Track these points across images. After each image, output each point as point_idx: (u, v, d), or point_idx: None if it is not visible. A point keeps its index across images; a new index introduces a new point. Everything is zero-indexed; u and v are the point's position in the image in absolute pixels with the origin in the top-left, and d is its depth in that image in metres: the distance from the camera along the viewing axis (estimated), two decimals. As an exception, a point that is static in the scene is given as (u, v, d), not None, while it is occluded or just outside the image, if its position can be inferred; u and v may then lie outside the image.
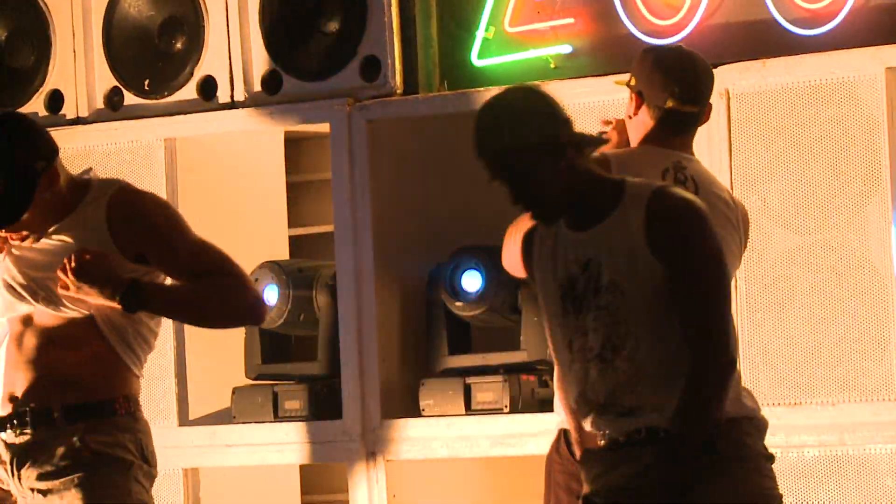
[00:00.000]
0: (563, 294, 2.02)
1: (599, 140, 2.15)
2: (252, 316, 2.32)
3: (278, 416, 2.97)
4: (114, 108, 3.18)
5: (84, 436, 2.27)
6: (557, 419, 2.43)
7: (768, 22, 2.88)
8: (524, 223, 2.23)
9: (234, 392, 3.01)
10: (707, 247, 1.97)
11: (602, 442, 2.02)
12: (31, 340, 2.33)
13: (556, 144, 1.92)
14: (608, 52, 2.95)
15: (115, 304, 2.22)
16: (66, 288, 2.21)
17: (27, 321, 2.30)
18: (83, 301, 2.25)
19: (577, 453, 2.16)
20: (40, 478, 2.27)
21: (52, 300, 2.25)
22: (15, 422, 2.30)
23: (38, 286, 2.25)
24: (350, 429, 2.98)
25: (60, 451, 2.26)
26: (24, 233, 2.27)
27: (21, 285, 2.26)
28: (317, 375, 2.96)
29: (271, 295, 2.93)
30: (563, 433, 2.42)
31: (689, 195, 2.05)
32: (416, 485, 3.07)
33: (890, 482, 2.69)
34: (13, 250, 2.33)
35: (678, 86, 2.30)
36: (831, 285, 2.71)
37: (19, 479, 2.33)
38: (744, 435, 2.01)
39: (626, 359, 1.97)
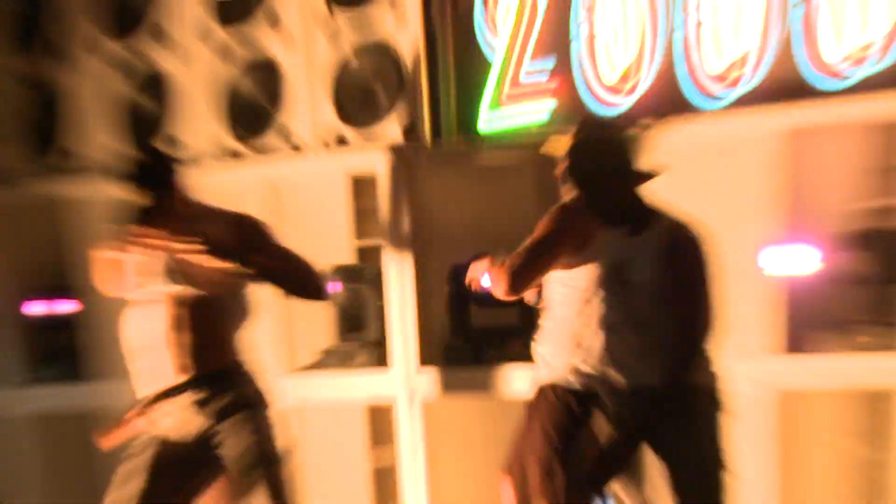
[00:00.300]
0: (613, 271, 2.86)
1: None
2: (318, 293, 3.05)
3: (350, 366, 4.08)
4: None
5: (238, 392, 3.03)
6: (544, 373, 3.05)
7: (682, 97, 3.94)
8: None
9: (324, 352, 4.16)
10: None
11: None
12: (176, 309, 2.98)
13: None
14: (576, 115, 3.84)
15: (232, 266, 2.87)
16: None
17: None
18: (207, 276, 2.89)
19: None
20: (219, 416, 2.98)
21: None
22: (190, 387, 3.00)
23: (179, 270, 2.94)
24: (396, 377, 4.01)
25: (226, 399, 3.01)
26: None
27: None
28: (376, 340, 4.05)
29: (338, 286, 4.09)
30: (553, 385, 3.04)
31: None
32: (445, 420, 4.06)
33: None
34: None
35: None
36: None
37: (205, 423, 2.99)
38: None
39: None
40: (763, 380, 3.67)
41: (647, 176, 2.95)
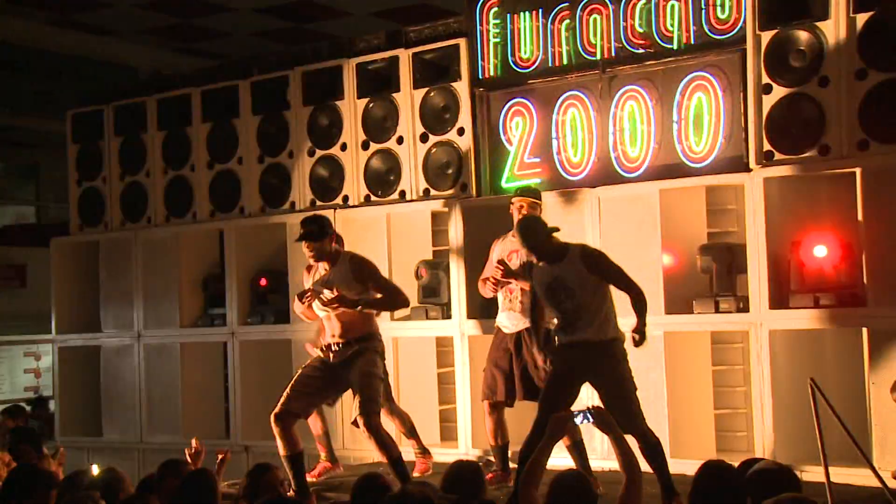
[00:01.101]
0: (548, 289, 5.34)
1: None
2: (405, 306, 6.03)
3: (428, 317, 7.43)
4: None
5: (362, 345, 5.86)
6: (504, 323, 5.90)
7: (610, 167, 7.01)
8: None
9: (411, 309, 7.47)
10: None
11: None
12: (338, 315, 5.78)
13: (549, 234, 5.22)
14: (552, 181, 7.03)
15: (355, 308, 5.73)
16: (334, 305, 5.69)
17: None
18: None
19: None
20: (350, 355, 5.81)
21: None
22: (340, 344, 5.81)
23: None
24: (453, 322, 7.12)
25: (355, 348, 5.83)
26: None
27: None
28: (445, 303, 7.27)
29: (423, 271, 7.36)
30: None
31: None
32: (483, 349, 7.15)
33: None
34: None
35: None
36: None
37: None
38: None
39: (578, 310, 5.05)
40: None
41: (553, 230, 5.43)
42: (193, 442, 5.46)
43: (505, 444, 6.21)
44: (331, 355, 5.89)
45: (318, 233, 5.85)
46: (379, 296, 5.90)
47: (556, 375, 5.34)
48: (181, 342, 8.61)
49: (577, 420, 4.18)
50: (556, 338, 5.36)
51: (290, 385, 5.94)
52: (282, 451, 5.85)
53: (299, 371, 6.07)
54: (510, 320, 6.05)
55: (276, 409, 5.87)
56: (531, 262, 5.39)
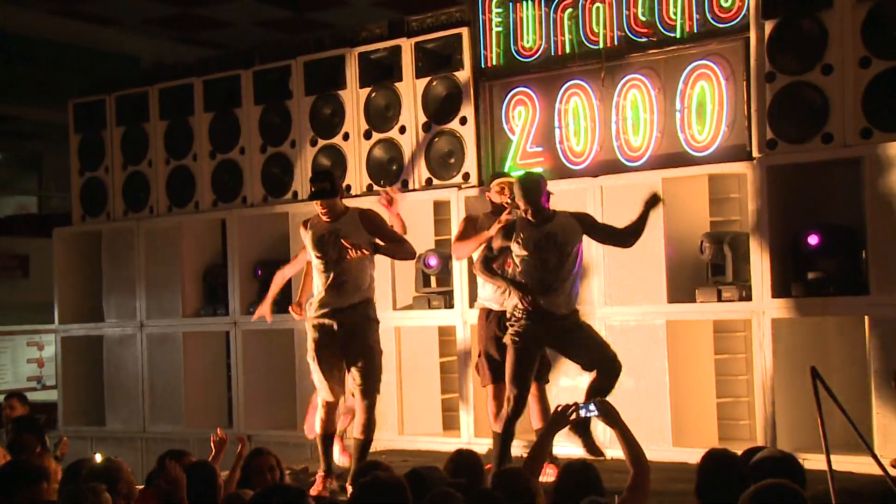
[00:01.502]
0: (536, 246, 5.46)
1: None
2: (412, 257, 6.00)
3: (430, 306, 7.43)
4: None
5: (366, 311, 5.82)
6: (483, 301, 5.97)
7: (613, 157, 7.03)
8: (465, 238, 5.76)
9: (413, 298, 7.51)
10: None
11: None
12: (344, 277, 5.75)
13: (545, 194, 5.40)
14: (555, 171, 7.05)
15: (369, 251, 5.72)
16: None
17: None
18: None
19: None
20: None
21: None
22: (344, 309, 5.72)
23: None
24: (455, 311, 7.12)
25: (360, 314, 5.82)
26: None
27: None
28: (451, 291, 7.27)
29: (434, 258, 7.32)
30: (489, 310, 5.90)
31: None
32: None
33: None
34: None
35: None
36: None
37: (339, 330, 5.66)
38: None
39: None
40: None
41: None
42: (218, 431, 5.41)
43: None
44: (335, 323, 5.74)
45: (332, 189, 5.81)
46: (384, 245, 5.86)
47: (524, 349, 5.39)
48: (183, 332, 8.63)
49: (581, 413, 4.15)
50: (522, 301, 5.35)
51: (320, 371, 5.81)
52: (319, 429, 5.89)
53: (315, 354, 5.87)
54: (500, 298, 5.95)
55: (328, 398, 5.84)
56: (513, 223, 5.48)
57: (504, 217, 5.75)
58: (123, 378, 8.92)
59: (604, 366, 5.39)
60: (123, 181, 9.10)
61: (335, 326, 5.73)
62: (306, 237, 5.93)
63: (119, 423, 8.94)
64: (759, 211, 6.18)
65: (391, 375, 7.06)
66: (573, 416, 4.16)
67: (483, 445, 6.95)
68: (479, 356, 6.18)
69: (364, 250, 5.65)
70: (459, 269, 7.18)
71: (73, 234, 9.42)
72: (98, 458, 5.09)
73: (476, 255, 5.87)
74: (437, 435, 7.41)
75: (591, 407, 4.13)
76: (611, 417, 4.10)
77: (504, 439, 5.51)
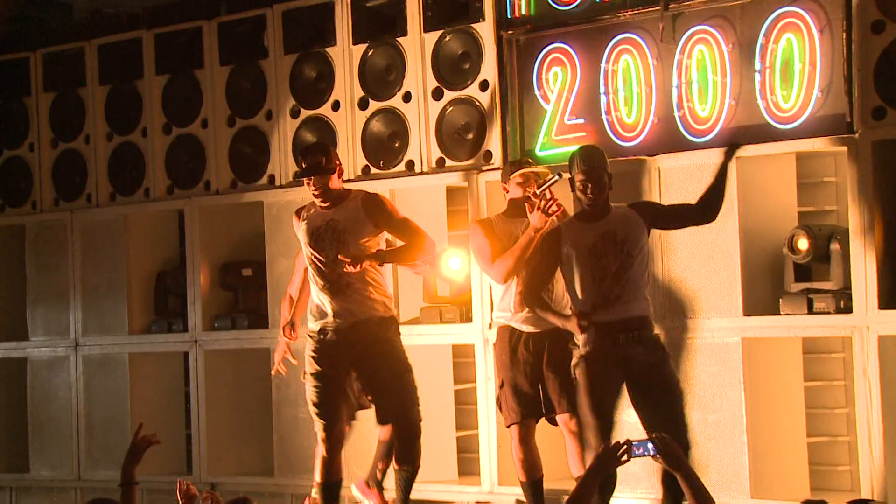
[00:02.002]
0: (590, 252, 5.56)
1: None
2: (432, 251, 6.11)
3: (443, 320, 7.42)
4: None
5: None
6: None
7: (674, 131, 6.88)
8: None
9: (421, 310, 7.50)
10: None
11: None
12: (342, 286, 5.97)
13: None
14: (601, 148, 6.98)
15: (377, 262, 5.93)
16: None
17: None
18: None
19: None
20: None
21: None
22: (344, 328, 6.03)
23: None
24: (474, 326, 7.11)
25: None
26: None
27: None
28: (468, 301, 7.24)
29: (456, 260, 7.24)
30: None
31: None
32: None
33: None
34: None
35: None
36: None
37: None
38: None
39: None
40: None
41: None
42: (184, 482, 5.40)
43: (538, 478, 6.22)
44: (337, 336, 5.96)
45: (327, 165, 5.85)
46: (401, 243, 6.01)
47: (602, 371, 5.48)
48: (130, 352, 8.66)
49: (638, 451, 4.16)
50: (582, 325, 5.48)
51: (316, 406, 6.04)
52: (318, 477, 6.10)
53: (313, 381, 6.09)
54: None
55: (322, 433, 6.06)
56: (556, 229, 5.63)
57: (537, 219, 5.75)
58: (53, 411, 8.94)
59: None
60: (53, 162, 9.12)
61: (338, 339, 5.92)
62: (300, 229, 5.96)
63: (47, 470, 8.97)
64: (862, 199, 6.15)
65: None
66: (625, 458, 4.18)
67: (508, 496, 6.98)
68: (501, 387, 6.19)
69: (365, 264, 5.77)
70: (480, 274, 7.18)
71: (-11, 228, 9.42)
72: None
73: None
74: (451, 483, 7.41)
75: (650, 445, 4.14)
76: (673, 459, 4.14)
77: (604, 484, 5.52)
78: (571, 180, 5.87)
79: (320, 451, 6.11)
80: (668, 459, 4.14)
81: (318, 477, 6.13)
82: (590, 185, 5.50)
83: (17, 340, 9.18)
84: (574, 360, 5.68)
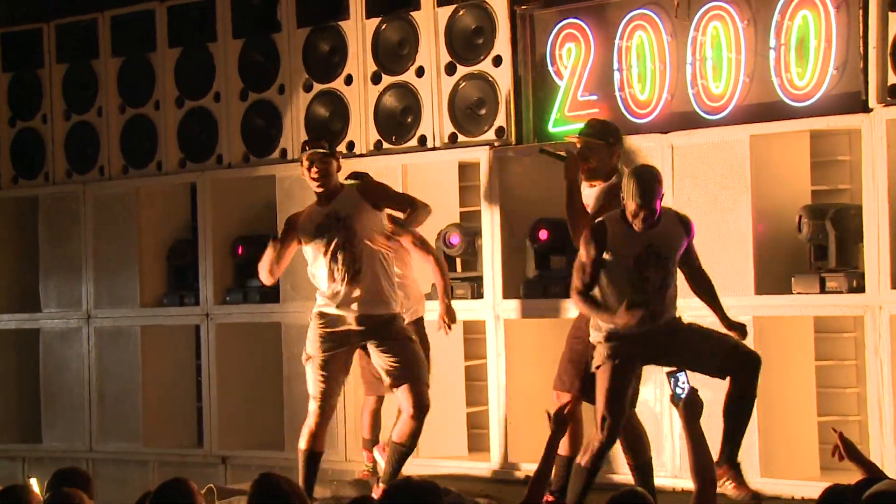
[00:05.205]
0: (636, 261, 5.32)
1: None
2: (428, 213, 6.15)
3: (454, 296, 7.39)
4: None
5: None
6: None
7: (688, 108, 6.90)
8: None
9: (431, 285, 7.49)
10: None
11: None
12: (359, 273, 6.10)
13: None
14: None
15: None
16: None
17: None
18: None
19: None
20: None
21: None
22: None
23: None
24: (485, 302, 7.18)
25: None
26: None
27: None
28: (479, 277, 7.27)
29: (456, 237, 7.26)
30: None
31: None
32: (522, 337, 7.28)
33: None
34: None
35: None
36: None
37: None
38: None
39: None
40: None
41: None
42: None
43: (574, 456, 6.09)
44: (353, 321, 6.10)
45: (331, 148, 6.02)
46: (402, 216, 6.15)
47: (621, 369, 5.48)
48: (142, 325, 8.67)
49: (673, 385, 4.42)
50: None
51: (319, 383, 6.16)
52: (303, 445, 6.22)
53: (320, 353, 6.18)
54: None
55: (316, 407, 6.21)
56: (602, 224, 5.51)
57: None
58: (65, 383, 8.97)
59: (735, 362, 5.44)
60: (66, 134, 9.11)
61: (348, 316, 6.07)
62: (302, 232, 6.17)
63: (59, 441, 9.00)
64: (877, 178, 6.14)
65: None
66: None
67: (518, 472, 7.00)
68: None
69: (381, 242, 5.96)
70: (491, 249, 7.20)
71: (2, 200, 9.47)
72: (34, 485, 5.11)
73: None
74: (461, 458, 7.43)
75: (683, 378, 4.41)
76: (693, 411, 4.31)
77: (591, 474, 5.61)
78: (618, 187, 5.64)
79: (309, 423, 6.23)
80: (687, 410, 4.35)
81: (303, 445, 6.23)
82: (642, 214, 5.42)
83: (30, 312, 9.18)
84: (597, 361, 5.60)
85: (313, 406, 6.22)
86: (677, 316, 5.62)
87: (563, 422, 4.87)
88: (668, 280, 5.49)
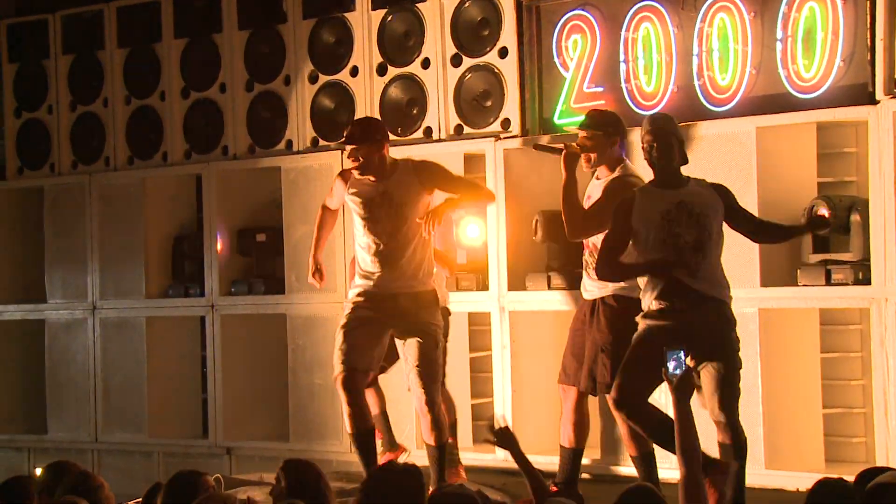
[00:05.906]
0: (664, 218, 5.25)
1: None
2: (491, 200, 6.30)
3: (459, 288, 7.42)
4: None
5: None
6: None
7: (694, 100, 6.89)
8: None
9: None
10: None
11: None
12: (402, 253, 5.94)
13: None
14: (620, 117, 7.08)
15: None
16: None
17: None
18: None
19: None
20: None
21: None
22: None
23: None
24: (490, 294, 7.19)
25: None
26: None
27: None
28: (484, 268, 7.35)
29: (474, 227, 7.28)
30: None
31: None
32: (527, 329, 7.31)
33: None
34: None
35: None
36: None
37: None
38: None
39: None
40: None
41: None
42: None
43: (579, 448, 6.09)
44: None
45: (360, 135, 5.93)
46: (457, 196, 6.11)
47: (646, 346, 5.30)
48: (147, 317, 8.69)
49: (671, 365, 4.40)
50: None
51: (341, 338, 6.02)
52: (350, 428, 6.07)
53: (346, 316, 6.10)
54: (586, 284, 6.00)
55: (340, 374, 5.99)
56: (630, 198, 5.42)
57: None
58: (70, 374, 8.99)
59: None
60: (72, 125, 9.14)
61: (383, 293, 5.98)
62: (349, 196, 6.04)
63: (64, 432, 9.01)
64: (883, 170, 6.13)
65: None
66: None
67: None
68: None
69: (433, 225, 5.88)
70: (496, 241, 7.20)
71: (7, 191, 9.49)
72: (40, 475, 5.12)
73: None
74: (466, 450, 7.44)
75: (682, 357, 4.42)
76: (685, 392, 4.37)
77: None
78: (623, 179, 5.75)
79: (343, 405, 6.07)
80: (680, 387, 4.38)
81: (349, 428, 6.10)
82: (655, 146, 5.35)
83: (35, 303, 9.21)
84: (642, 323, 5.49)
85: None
86: (728, 298, 5.45)
87: (506, 435, 4.88)
88: (705, 242, 5.30)
